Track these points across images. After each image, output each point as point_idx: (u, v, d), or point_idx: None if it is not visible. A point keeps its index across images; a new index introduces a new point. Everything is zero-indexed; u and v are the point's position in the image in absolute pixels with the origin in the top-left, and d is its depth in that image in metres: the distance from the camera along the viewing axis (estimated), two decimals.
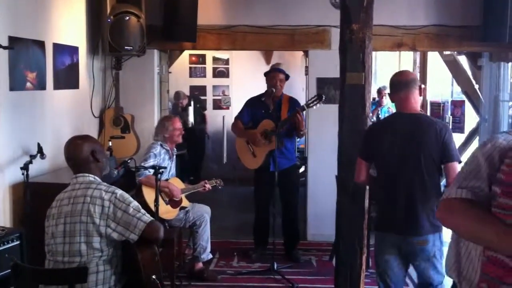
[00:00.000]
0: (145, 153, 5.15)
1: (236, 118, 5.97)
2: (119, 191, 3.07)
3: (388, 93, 3.72)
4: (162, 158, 5.12)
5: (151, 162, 4.95)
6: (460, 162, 3.39)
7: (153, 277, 3.01)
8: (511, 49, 6.45)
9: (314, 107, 5.46)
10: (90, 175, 3.14)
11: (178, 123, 5.32)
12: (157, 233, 3.07)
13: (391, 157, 3.39)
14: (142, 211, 3.07)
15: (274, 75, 5.75)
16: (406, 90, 3.53)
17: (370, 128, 3.71)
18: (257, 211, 5.95)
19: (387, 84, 3.80)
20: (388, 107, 8.88)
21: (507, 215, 1.72)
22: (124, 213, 2.99)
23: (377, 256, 3.58)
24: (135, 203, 3.07)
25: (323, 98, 5.43)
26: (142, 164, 4.90)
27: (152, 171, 4.52)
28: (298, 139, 6.46)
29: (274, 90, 5.67)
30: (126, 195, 3.08)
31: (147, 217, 3.05)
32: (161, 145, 5.18)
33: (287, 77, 5.82)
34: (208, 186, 5.36)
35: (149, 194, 4.78)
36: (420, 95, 3.54)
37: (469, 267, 1.97)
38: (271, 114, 5.70)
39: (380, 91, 9.02)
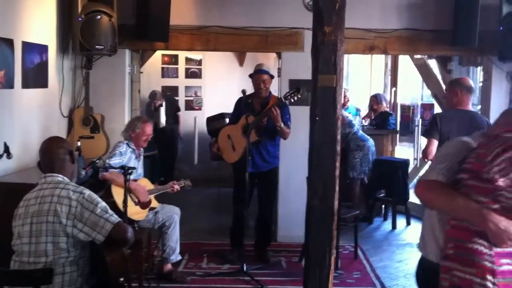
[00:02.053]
0: (110, 150, 5.10)
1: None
2: (87, 192, 3.05)
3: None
4: (128, 157, 5.07)
5: (116, 160, 4.91)
6: None
7: (121, 279, 2.98)
8: (480, 53, 6.56)
9: (292, 99, 5.46)
10: (59, 175, 3.11)
11: (149, 128, 5.26)
12: (124, 234, 3.04)
13: None
14: (110, 211, 3.04)
15: (258, 77, 5.74)
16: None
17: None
18: (235, 212, 5.90)
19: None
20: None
21: (470, 192, 2.40)
22: (92, 214, 2.96)
23: None
24: (102, 204, 3.04)
25: (301, 90, 5.45)
26: (107, 161, 4.88)
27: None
28: None
29: (262, 92, 5.70)
30: (94, 196, 3.05)
31: (115, 218, 3.02)
32: (127, 144, 5.14)
33: (272, 76, 5.83)
34: (176, 187, 5.33)
35: (118, 195, 4.72)
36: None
37: (438, 236, 2.65)
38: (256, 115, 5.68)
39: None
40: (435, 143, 4.68)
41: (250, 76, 5.86)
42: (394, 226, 7.38)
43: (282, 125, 5.53)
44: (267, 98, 5.76)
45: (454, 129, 4.60)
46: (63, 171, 3.14)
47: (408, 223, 7.45)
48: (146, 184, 5.19)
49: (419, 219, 7.26)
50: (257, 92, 5.74)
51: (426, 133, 4.91)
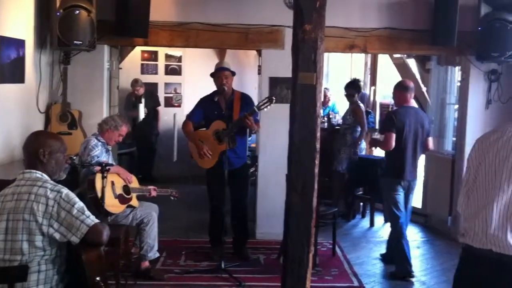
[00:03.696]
0: (84, 146, 5.04)
1: (187, 118, 5.89)
2: (65, 191, 2.99)
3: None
4: (100, 151, 5.05)
5: (96, 152, 4.93)
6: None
7: (97, 278, 2.94)
8: (459, 53, 6.62)
9: (265, 109, 5.48)
10: (37, 171, 3.05)
11: (125, 130, 5.30)
12: (100, 237, 3.00)
13: None
14: (87, 213, 2.99)
15: (219, 75, 5.71)
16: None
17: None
18: (212, 210, 5.91)
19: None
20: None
21: None
22: (68, 214, 2.92)
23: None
24: (80, 204, 2.99)
25: (274, 100, 5.44)
26: (92, 154, 4.90)
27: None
28: (250, 138, 6.46)
29: (225, 88, 5.65)
30: (72, 195, 3.00)
31: (91, 220, 2.97)
32: (96, 138, 5.13)
33: (233, 73, 5.81)
34: (154, 194, 5.35)
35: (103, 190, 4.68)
36: None
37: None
38: (224, 114, 5.67)
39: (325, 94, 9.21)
40: (393, 136, 5.48)
41: (212, 75, 5.81)
42: (372, 224, 7.45)
43: (256, 127, 5.63)
44: (231, 95, 5.76)
45: (407, 122, 5.51)
46: (42, 168, 3.08)
47: (386, 221, 7.50)
48: (134, 181, 5.21)
49: None
50: (221, 89, 5.70)
51: (385, 129, 5.65)
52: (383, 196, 5.89)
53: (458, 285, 3.05)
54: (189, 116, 5.88)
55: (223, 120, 5.58)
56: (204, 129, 5.81)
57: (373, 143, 6.75)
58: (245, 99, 5.83)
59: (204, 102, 5.85)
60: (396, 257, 5.62)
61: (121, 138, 5.29)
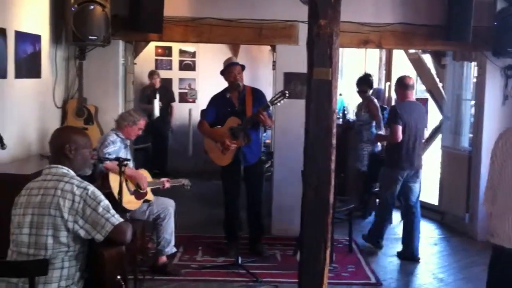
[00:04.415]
0: (102, 141, 5.05)
1: (202, 118, 5.91)
2: (91, 188, 3.00)
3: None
4: (119, 146, 5.07)
5: (111, 148, 4.93)
6: None
7: (118, 277, 2.95)
8: (474, 49, 6.56)
9: (279, 103, 5.46)
10: (64, 167, 3.05)
11: (143, 123, 5.30)
12: (124, 236, 3.01)
13: None
14: (112, 211, 2.99)
15: (231, 70, 5.71)
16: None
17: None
18: (227, 206, 5.91)
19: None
20: None
21: None
22: (93, 212, 2.92)
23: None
24: (105, 202, 3.00)
25: (287, 94, 5.43)
26: (104, 151, 4.89)
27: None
28: (264, 134, 6.45)
29: (239, 84, 5.65)
30: (98, 193, 3.00)
31: (116, 219, 2.98)
32: (116, 134, 5.14)
33: (243, 67, 5.81)
34: (167, 185, 5.34)
35: (116, 186, 4.70)
36: None
37: None
38: (237, 110, 5.67)
39: None
40: (400, 128, 5.77)
41: (222, 72, 5.81)
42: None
43: (270, 122, 5.66)
44: (243, 91, 5.75)
45: (408, 116, 5.84)
46: (68, 163, 3.08)
47: (403, 218, 7.43)
48: (146, 175, 5.20)
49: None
50: (235, 85, 5.69)
51: (391, 122, 5.92)
52: (381, 184, 6.32)
53: (491, 285, 3.04)
54: (203, 116, 5.89)
55: (237, 116, 5.58)
56: (219, 126, 5.79)
57: (379, 138, 7.11)
58: (257, 93, 5.84)
59: (216, 100, 5.84)
60: (373, 229, 6.26)
61: (140, 131, 5.29)
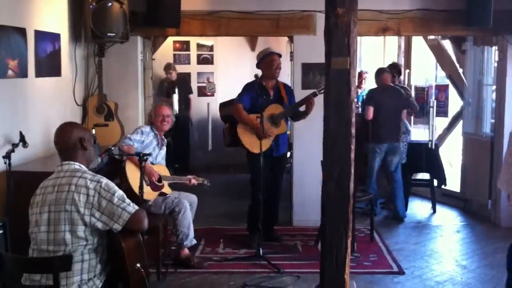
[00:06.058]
0: (134, 129, 5.17)
1: (237, 101, 5.71)
2: (104, 180, 3.04)
3: None
4: (150, 140, 5.13)
5: (137, 136, 5.01)
6: None
7: (138, 265, 3.00)
8: (495, 33, 6.47)
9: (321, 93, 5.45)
10: (75, 163, 3.10)
11: (163, 109, 5.29)
12: (141, 224, 3.06)
13: None
14: (127, 201, 3.04)
15: (273, 58, 5.70)
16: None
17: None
18: (254, 197, 5.74)
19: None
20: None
21: None
22: (109, 203, 2.97)
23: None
24: (120, 193, 3.04)
25: None
26: (128, 135, 4.99)
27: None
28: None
29: (278, 73, 5.71)
30: (111, 184, 3.05)
31: (132, 208, 3.03)
32: (151, 128, 5.21)
33: (280, 56, 5.83)
34: (194, 181, 5.37)
35: (133, 180, 4.74)
36: None
37: None
38: (272, 100, 5.66)
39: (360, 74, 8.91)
40: (371, 109, 6.83)
41: (260, 60, 5.77)
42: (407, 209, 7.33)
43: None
44: (276, 83, 5.74)
45: (382, 98, 6.90)
46: (78, 159, 3.13)
47: (434, 209, 7.38)
48: (160, 169, 5.22)
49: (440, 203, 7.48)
50: (272, 75, 5.70)
51: (366, 103, 6.99)
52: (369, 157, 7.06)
53: None
54: (239, 100, 5.71)
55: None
56: (254, 114, 5.56)
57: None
58: (288, 88, 5.93)
59: (253, 87, 5.66)
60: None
61: (162, 116, 5.23)
